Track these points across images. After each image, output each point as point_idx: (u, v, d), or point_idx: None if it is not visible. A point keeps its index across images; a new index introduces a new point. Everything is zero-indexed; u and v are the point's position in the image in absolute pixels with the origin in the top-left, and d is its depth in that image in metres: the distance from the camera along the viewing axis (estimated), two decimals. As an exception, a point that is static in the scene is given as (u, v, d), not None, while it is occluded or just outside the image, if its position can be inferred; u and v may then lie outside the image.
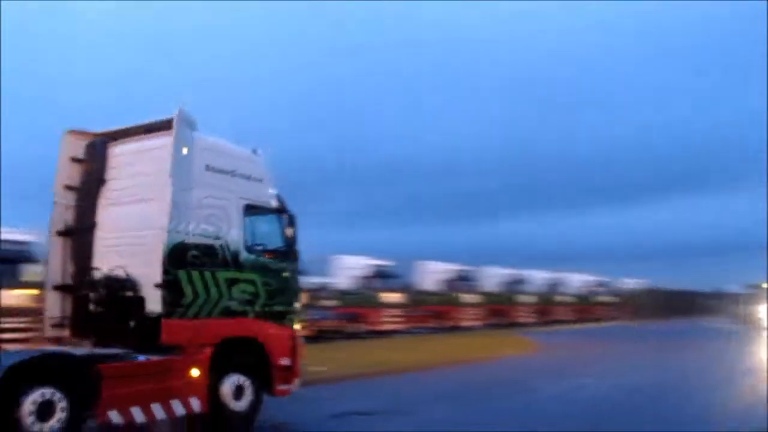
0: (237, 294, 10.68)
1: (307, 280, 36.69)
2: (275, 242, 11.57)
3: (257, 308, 10.99)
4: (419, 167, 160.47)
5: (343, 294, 37.26)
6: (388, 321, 36.84)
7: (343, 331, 35.42)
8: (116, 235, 10.77)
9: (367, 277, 36.86)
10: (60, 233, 11.27)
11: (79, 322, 10.90)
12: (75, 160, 11.43)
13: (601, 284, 61.03)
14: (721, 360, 23.62)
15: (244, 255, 10.85)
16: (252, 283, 10.94)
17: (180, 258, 9.93)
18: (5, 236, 19.29)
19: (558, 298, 54.68)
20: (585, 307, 57.10)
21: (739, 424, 11.83)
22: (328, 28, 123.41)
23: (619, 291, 64.62)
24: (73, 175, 11.41)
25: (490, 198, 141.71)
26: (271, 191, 11.49)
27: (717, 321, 53.73)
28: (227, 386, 10.40)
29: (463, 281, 43.72)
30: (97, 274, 10.66)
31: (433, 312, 42.47)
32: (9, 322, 17.34)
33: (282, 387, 11.37)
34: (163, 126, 10.55)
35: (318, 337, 32.74)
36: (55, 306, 11.13)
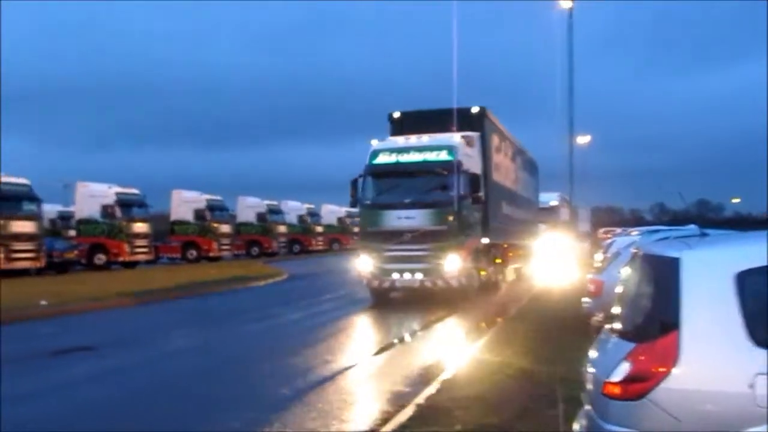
0: None
1: (48, 209, 34.55)
2: None
3: None
4: (168, 89, 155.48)
5: (85, 223, 35.40)
6: (135, 252, 35.58)
7: (82, 262, 33.81)
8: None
9: (112, 206, 35.13)
10: None
11: None
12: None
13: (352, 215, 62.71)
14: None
15: None
16: None
17: None
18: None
19: (314, 228, 55.80)
20: (339, 236, 58.84)
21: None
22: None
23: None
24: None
25: (238, 127, 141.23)
26: None
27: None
28: None
29: (216, 211, 43.20)
30: None
31: (184, 242, 41.77)
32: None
33: None
34: None
35: (57, 268, 31.03)
36: None
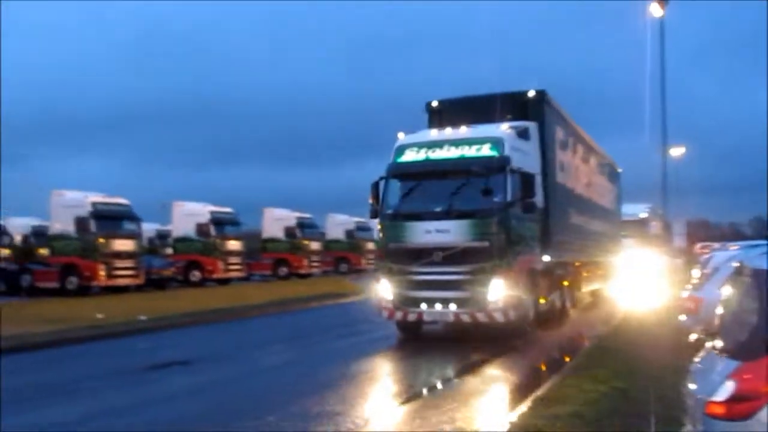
0: None
1: (147, 227, 35.97)
2: None
3: None
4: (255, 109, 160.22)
5: (181, 241, 36.65)
6: (228, 269, 36.57)
7: (179, 279, 34.95)
8: None
9: (206, 225, 36.28)
10: None
11: None
12: None
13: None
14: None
15: None
16: None
17: None
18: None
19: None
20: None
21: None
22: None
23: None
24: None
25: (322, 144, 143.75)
26: None
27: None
28: None
29: (306, 228, 43.93)
30: None
31: (275, 259, 42.60)
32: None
33: None
34: None
35: (155, 284, 32.13)
36: None
